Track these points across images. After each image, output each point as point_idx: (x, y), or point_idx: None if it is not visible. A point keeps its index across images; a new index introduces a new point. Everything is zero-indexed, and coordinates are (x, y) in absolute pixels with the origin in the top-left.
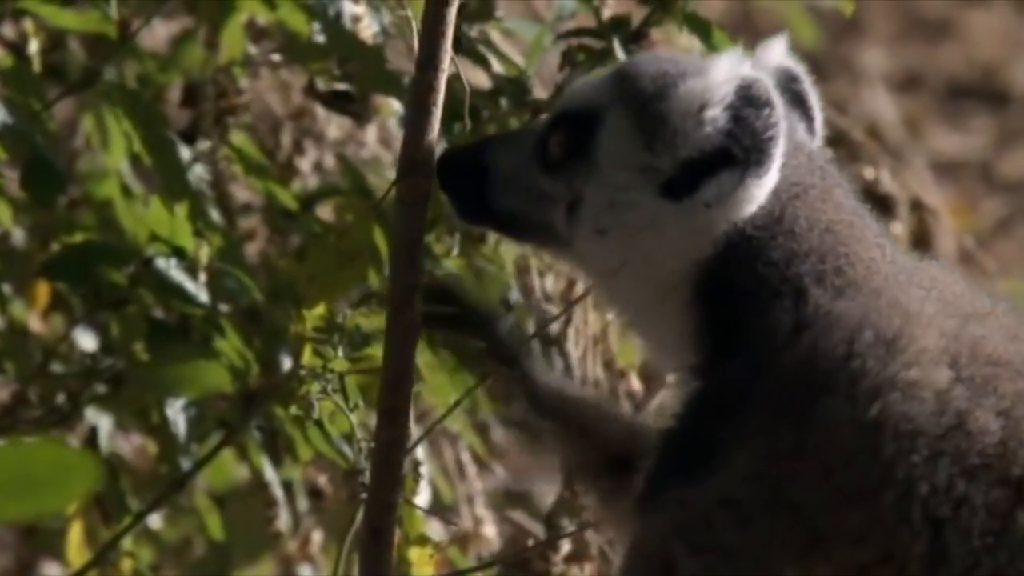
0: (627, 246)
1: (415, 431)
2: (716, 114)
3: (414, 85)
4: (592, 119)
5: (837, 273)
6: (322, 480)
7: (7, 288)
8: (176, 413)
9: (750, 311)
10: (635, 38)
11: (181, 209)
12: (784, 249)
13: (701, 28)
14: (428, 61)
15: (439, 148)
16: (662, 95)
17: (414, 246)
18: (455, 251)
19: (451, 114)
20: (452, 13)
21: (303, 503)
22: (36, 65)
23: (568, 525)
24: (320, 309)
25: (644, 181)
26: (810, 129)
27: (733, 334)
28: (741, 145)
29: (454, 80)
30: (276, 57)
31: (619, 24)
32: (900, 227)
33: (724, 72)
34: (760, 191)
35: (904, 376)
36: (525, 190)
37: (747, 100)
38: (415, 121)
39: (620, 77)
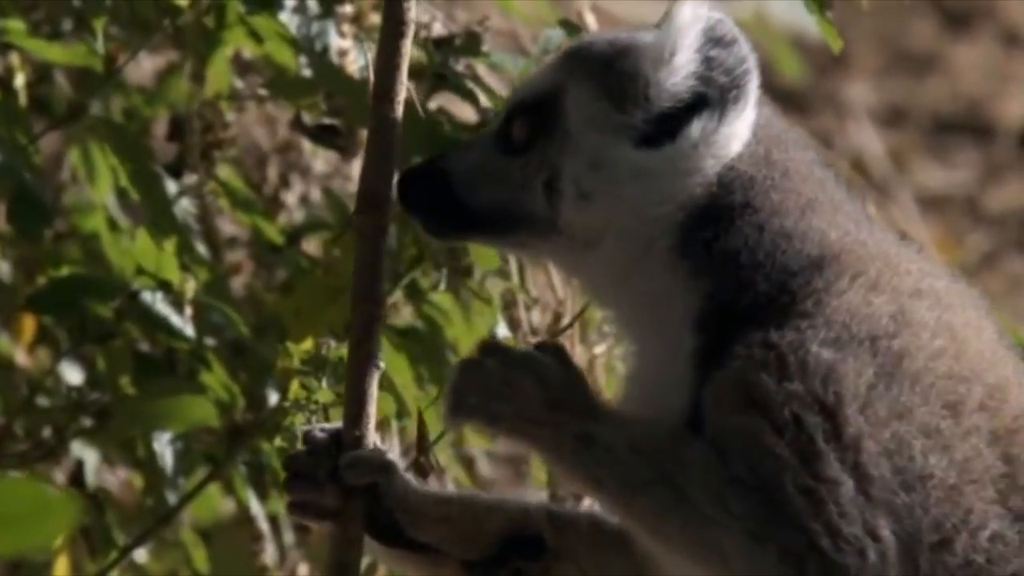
0: (613, 204)
1: (401, 463)
2: (687, 59)
3: (370, 118)
4: (552, 97)
5: (825, 204)
6: None
7: None
8: (163, 447)
9: (752, 242)
10: None
11: (167, 243)
12: (778, 184)
13: None
14: (384, 93)
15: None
16: (625, 53)
17: (373, 279)
18: (442, 286)
19: (437, 148)
20: (407, 45)
21: (289, 536)
22: (22, 99)
23: None
24: (307, 343)
25: (620, 139)
26: None
27: (732, 269)
28: (716, 85)
29: (438, 114)
30: (262, 91)
31: None
32: None
33: (687, 18)
34: (742, 127)
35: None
36: (496, 180)
37: (714, 41)
38: (371, 153)
39: (571, 55)
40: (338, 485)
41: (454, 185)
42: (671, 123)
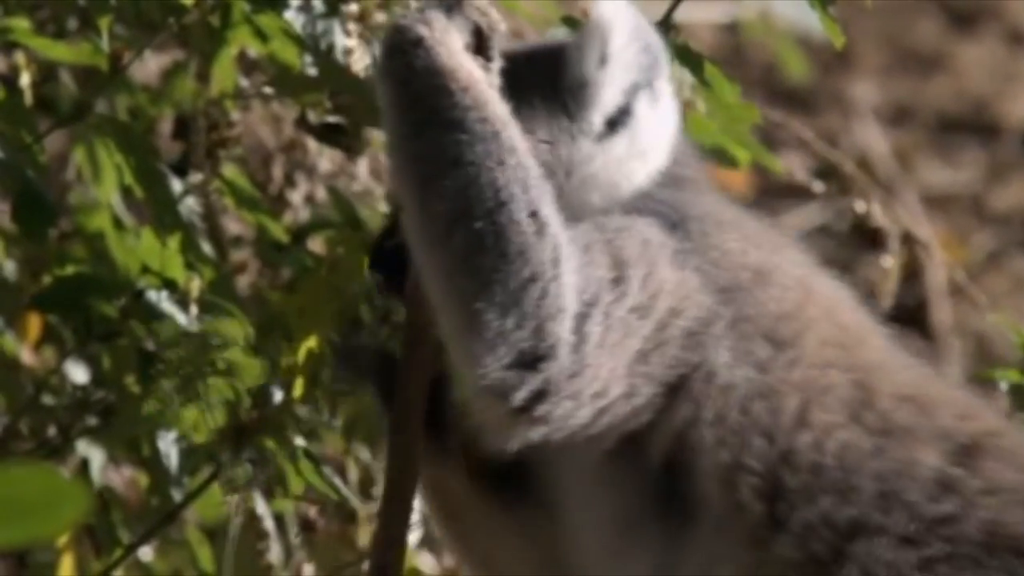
0: (586, 195)
1: None
2: (623, 54)
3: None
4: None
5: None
6: (313, 512)
7: None
8: (168, 445)
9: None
10: None
11: (172, 241)
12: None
13: (692, 61)
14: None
15: None
16: (567, 62)
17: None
18: None
19: None
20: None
21: (295, 535)
22: (27, 98)
23: None
24: (311, 342)
25: (583, 142)
26: None
27: None
28: (645, 71)
29: None
30: (268, 90)
31: None
32: (891, 260)
33: (611, 15)
34: (671, 104)
35: None
36: None
37: (636, 31)
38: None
39: (512, 82)
40: None
41: None
42: (620, 114)
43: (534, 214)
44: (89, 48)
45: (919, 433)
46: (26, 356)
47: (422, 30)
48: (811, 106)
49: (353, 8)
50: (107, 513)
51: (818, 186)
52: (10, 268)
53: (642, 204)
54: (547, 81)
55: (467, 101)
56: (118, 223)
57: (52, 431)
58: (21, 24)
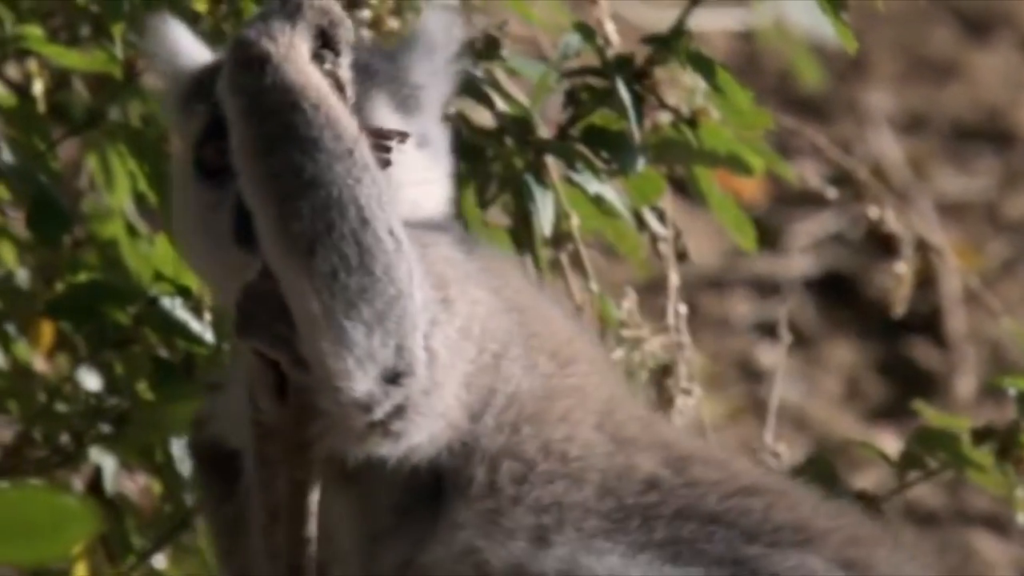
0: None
1: None
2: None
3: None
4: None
5: None
6: None
7: (11, 328)
8: (181, 451)
9: None
10: (639, 77)
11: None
12: None
13: (705, 68)
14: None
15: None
16: (407, 69)
17: None
18: None
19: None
20: None
21: None
22: (41, 105)
23: None
24: None
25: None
26: None
27: None
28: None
29: (456, 119)
30: None
31: (623, 63)
32: (905, 267)
33: (441, 26)
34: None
35: None
36: None
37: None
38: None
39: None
40: None
41: None
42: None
43: (391, 231)
44: (102, 55)
45: (641, 443)
46: (39, 363)
47: (268, 45)
48: (825, 114)
49: (366, 14)
50: (121, 520)
51: (832, 193)
52: (23, 275)
53: (432, 223)
54: (390, 78)
55: (320, 119)
56: (131, 230)
57: (65, 438)
58: (34, 31)
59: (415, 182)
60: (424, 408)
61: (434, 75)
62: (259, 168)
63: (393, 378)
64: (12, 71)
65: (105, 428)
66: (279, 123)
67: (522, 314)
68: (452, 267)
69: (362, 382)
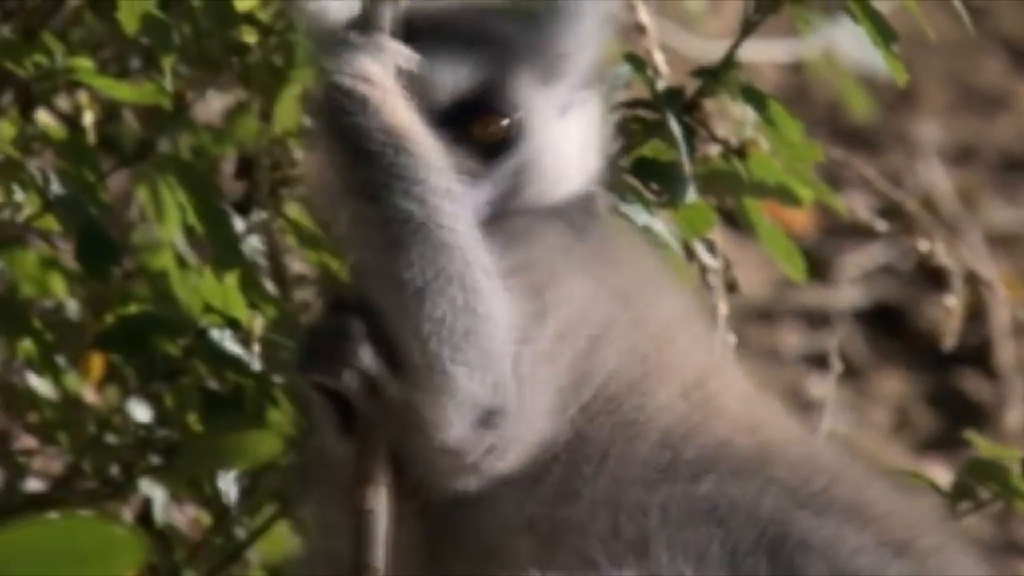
0: (562, 175)
1: None
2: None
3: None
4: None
5: None
6: None
7: (61, 359)
8: (228, 483)
9: None
10: (689, 109)
11: (230, 278)
12: None
13: (756, 100)
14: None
15: None
16: (549, 33)
17: None
18: None
19: None
20: None
21: None
22: (91, 137)
23: None
24: None
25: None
26: None
27: None
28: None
29: None
30: None
31: (673, 95)
32: (955, 300)
33: None
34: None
35: None
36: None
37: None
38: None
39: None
40: None
41: None
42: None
43: (485, 268)
44: (152, 87)
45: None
46: (89, 395)
47: (364, 88)
48: (875, 145)
49: None
50: (170, 552)
51: (881, 225)
52: (73, 307)
53: (545, 211)
54: (532, 48)
55: (425, 162)
56: (181, 262)
57: (115, 470)
58: (84, 64)
59: (554, 154)
60: (514, 441)
61: (579, 42)
62: (366, 216)
63: (487, 419)
64: (62, 103)
65: (155, 460)
66: (384, 168)
67: (625, 297)
68: (553, 264)
69: (458, 429)
